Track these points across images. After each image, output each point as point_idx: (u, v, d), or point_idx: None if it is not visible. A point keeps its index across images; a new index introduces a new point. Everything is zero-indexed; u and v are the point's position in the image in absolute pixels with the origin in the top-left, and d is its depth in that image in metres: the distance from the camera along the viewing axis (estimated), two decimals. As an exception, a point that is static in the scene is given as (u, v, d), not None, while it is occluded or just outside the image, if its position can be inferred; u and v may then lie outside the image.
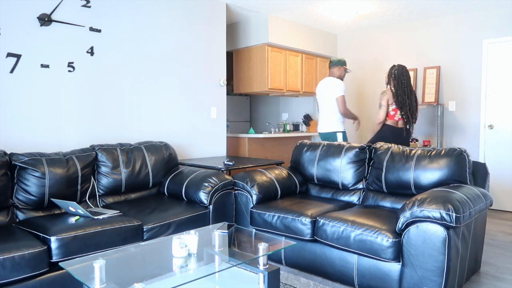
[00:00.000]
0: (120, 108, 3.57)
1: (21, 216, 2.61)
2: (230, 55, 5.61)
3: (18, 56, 2.93)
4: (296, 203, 2.95)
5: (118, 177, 3.05)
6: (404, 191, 2.86)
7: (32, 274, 2.04)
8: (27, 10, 2.96)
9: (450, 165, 2.67)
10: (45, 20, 3.04)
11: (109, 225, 2.39)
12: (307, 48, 5.58)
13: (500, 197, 4.74)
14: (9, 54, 2.89)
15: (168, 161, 3.39)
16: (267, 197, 3.10)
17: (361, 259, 2.40)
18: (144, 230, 2.56)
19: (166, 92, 3.92)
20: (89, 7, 3.30)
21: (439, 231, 2.11)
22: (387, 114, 4.08)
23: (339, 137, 4.33)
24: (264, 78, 5.12)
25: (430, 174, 2.71)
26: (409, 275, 2.20)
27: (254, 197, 3.03)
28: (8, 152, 2.80)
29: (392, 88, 4.03)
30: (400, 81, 3.98)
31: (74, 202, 2.54)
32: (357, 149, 3.16)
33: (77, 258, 1.97)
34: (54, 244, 2.16)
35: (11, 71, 2.91)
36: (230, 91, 5.97)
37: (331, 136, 4.38)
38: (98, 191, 3.00)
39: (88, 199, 2.92)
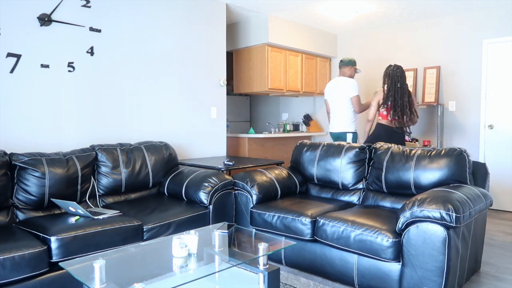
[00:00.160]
0: (120, 108, 3.57)
1: (21, 216, 2.61)
2: (230, 55, 5.61)
3: (18, 56, 2.93)
4: (296, 203, 2.95)
5: (118, 177, 3.05)
6: (404, 191, 2.86)
7: (32, 274, 2.04)
8: (27, 10, 2.96)
9: (450, 165, 2.67)
10: (45, 20, 3.04)
11: (109, 225, 2.39)
12: (307, 48, 5.58)
13: (500, 197, 4.74)
14: (9, 54, 2.89)
15: (168, 161, 3.39)
16: (267, 197, 3.10)
17: (361, 259, 2.40)
18: (144, 230, 2.56)
19: (166, 92, 3.92)
20: (89, 7, 3.30)
21: (439, 231, 2.11)
22: (380, 114, 4.08)
23: (349, 137, 4.34)
24: (264, 78, 5.12)
25: (430, 174, 2.71)
26: (409, 275, 2.21)
27: (254, 197, 3.03)
28: (8, 152, 2.80)
29: (385, 88, 4.03)
30: (394, 82, 3.97)
31: (74, 202, 2.54)
32: (357, 149, 3.16)
33: (77, 258, 1.97)
34: (54, 244, 2.16)
35: (11, 71, 2.91)
36: (230, 91, 5.97)
37: (342, 136, 4.39)
38: (98, 191, 3.00)
39: (88, 199, 2.92)
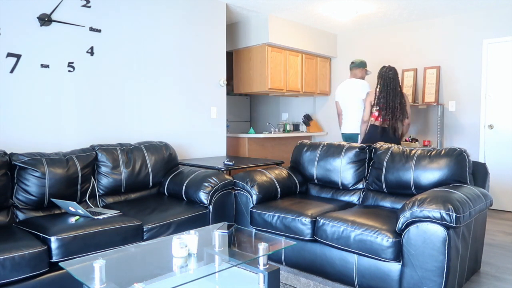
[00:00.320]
0: (120, 108, 3.57)
1: (21, 216, 2.61)
2: (230, 55, 5.61)
3: (18, 56, 2.93)
4: (296, 203, 2.95)
5: (118, 177, 3.05)
6: (404, 191, 2.86)
7: (32, 274, 2.04)
8: (27, 10, 2.96)
9: (450, 165, 2.67)
10: (45, 20, 3.04)
11: (109, 225, 2.39)
12: (307, 48, 5.58)
13: (500, 197, 4.74)
14: (9, 54, 2.89)
15: (168, 161, 3.39)
16: (267, 197, 3.10)
17: (361, 259, 2.40)
18: (144, 230, 2.56)
19: (166, 92, 3.92)
20: (89, 7, 3.30)
21: (439, 231, 2.11)
22: (373, 115, 4.09)
23: (360, 138, 4.34)
24: (264, 78, 5.12)
25: (430, 174, 2.71)
26: (409, 275, 2.21)
27: (254, 197, 3.03)
28: (8, 152, 2.80)
29: (377, 89, 4.04)
30: (386, 83, 3.98)
31: (74, 202, 2.54)
32: (357, 149, 3.16)
33: (77, 258, 1.97)
34: (54, 244, 2.16)
35: (11, 71, 2.91)
36: (230, 91, 5.98)
37: (353, 137, 4.40)
38: (98, 191, 3.00)
39: (88, 199, 2.92)
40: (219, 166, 3.44)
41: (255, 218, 2.95)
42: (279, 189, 3.20)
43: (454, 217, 2.06)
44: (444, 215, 2.08)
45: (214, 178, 3.03)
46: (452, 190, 2.32)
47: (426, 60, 5.25)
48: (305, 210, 2.74)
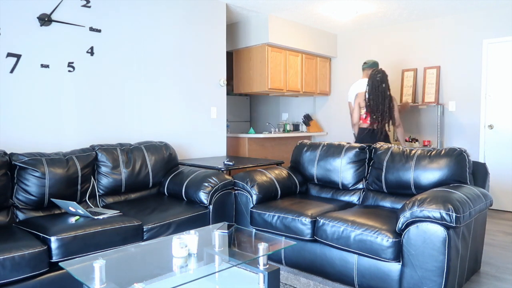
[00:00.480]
0: (120, 108, 3.57)
1: (21, 216, 2.61)
2: (230, 55, 5.61)
3: (18, 56, 2.93)
4: (296, 203, 2.95)
5: (118, 177, 3.05)
6: (404, 191, 2.86)
7: (32, 274, 2.04)
8: (27, 10, 2.96)
9: (450, 165, 2.67)
10: (45, 20, 3.04)
11: (109, 225, 2.39)
12: (307, 48, 5.58)
13: (500, 197, 4.74)
14: (9, 54, 2.89)
15: (168, 161, 3.39)
16: (267, 197, 3.10)
17: (361, 259, 2.40)
18: (144, 230, 2.56)
19: (166, 92, 3.92)
20: (89, 7, 3.30)
21: (439, 231, 2.11)
22: (361, 117, 4.12)
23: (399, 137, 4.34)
24: (264, 78, 5.12)
25: (430, 174, 2.71)
26: (409, 275, 2.21)
27: (254, 197, 3.03)
28: (8, 152, 2.80)
29: (366, 92, 4.05)
30: (374, 86, 4.00)
31: (74, 202, 2.54)
32: (357, 149, 3.16)
33: (77, 258, 1.97)
34: (54, 244, 2.16)
35: (11, 71, 2.91)
36: (230, 91, 5.98)
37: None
38: (98, 191, 3.00)
39: (88, 199, 2.92)
40: (219, 166, 3.44)
41: (255, 218, 2.95)
42: (279, 189, 3.20)
43: (454, 217, 2.06)
44: (444, 215, 2.08)
45: (214, 178, 3.03)
46: (452, 190, 2.32)
47: (426, 60, 5.25)
48: (305, 210, 2.74)
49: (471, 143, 4.92)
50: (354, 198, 3.15)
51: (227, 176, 3.13)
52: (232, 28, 5.39)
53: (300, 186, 3.40)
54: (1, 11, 2.84)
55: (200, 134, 4.28)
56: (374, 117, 3.99)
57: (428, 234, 2.14)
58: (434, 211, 2.11)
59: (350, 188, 3.18)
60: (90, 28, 3.31)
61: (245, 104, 6.78)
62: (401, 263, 2.25)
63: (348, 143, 3.29)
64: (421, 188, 2.75)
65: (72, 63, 3.23)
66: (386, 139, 4.05)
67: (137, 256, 2.01)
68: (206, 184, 2.99)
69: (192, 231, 2.06)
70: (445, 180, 2.66)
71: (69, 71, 3.22)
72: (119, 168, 3.06)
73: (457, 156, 2.68)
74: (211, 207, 2.96)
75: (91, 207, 2.87)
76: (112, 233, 2.38)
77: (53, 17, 3.09)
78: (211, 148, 4.40)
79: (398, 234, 2.27)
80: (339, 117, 6.12)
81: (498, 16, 4.65)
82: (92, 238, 2.29)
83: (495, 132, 4.74)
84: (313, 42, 5.69)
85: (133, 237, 2.48)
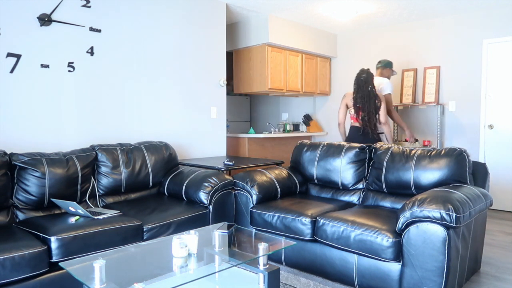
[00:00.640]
0: (120, 108, 3.57)
1: (21, 216, 2.61)
2: (230, 55, 5.61)
3: (18, 56, 2.93)
4: (296, 203, 2.95)
5: (118, 177, 3.05)
6: (404, 191, 2.86)
7: (32, 274, 2.04)
8: (27, 10, 2.96)
9: (450, 165, 2.67)
10: (45, 20, 3.04)
11: (109, 225, 2.39)
12: (307, 48, 5.58)
13: (500, 197, 4.74)
14: (9, 54, 2.89)
15: (168, 161, 3.39)
16: (267, 197, 3.10)
17: (361, 259, 2.40)
18: (144, 230, 2.56)
19: (166, 92, 3.92)
20: (89, 7, 3.30)
21: (439, 231, 2.11)
22: (352, 117, 4.14)
23: (383, 137, 4.33)
24: (264, 78, 5.12)
25: (430, 174, 2.71)
26: (409, 275, 2.21)
27: (254, 197, 3.03)
28: (8, 152, 2.80)
29: (353, 92, 4.09)
30: (358, 86, 4.04)
31: (74, 202, 2.54)
32: (357, 149, 3.16)
33: (77, 258, 1.97)
34: (54, 244, 2.16)
35: (11, 71, 2.91)
36: (230, 91, 5.97)
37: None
38: (98, 191, 3.00)
39: (88, 199, 2.92)
40: (219, 166, 3.44)
41: (255, 218, 2.94)
42: (279, 189, 3.20)
43: (454, 217, 2.06)
44: (444, 215, 2.08)
45: (214, 178, 3.03)
46: (452, 190, 2.32)
47: (426, 60, 5.25)
48: (305, 210, 2.74)
49: (471, 143, 4.92)
50: (354, 198, 3.15)
51: (227, 176, 3.13)
52: (232, 28, 5.39)
53: (300, 186, 3.40)
54: (1, 11, 2.84)
55: (200, 134, 4.28)
56: (362, 116, 4.02)
57: (428, 234, 2.14)
58: (434, 211, 2.11)
59: (350, 188, 3.18)
60: (90, 28, 3.31)
61: (245, 104, 6.78)
62: (401, 263, 2.25)
63: (348, 143, 3.29)
64: (421, 188, 2.75)
65: (72, 63, 3.23)
66: (377, 138, 4.06)
67: (137, 256, 2.01)
68: (206, 184, 2.99)
69: (192, 231, 2.06)
70: (445, 180, 2.66)
71: (69, 71, 3.22)
72: (119, 168, 3.06)
73: (457, 156, 2.68)
74: (211, 207, 2.96)
75: (91, 207, 2.87)
76: (112, 233, 2.38)
77: (53, 17, 3.09)
78: (211, 148, 4.40)
79: (398, 234, 2.27)
80: (339, 117, 6.12)
81: (498, 16, 4.65)
82: (92, 238, 2.29)
83: (495, 132, 4.74)
84: (313, 42, 5.69)
85: (133, 237, 2.48)
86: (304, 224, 2.64)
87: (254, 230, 2.88)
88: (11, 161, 2.60)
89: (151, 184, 3.27)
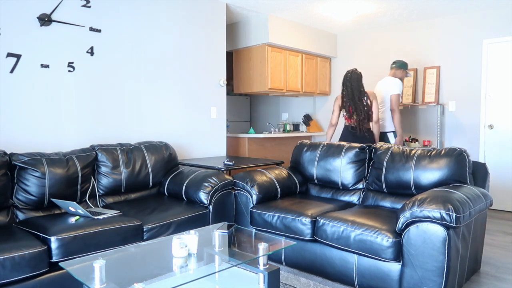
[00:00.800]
0: (120, 108, 3.57)
1: (21, 216, 2.61)
2: (230, 55, 5.61)
3: (18, 56, 2.93)
4: (296, 203, 2.95)
5: (118, 177, 3.05)
6: (404, 191, 2.86)
7: (32, 274, 2.04)
8: (27, 10, 2.96)
9: (450, 165, 2.67)
10: (45, 20, 3.04)
11: (109, 225, 2.39)
12: (307, 48, 5.58)
13: (500, 197, 4.74)
14: (9, 54, 2.89)
15: (168, 161, 3.39)
16: (267, 197, 3.10)
17: (361, 259, 2.40)
18: (144, 230, 2.56)
19: (166, 92, 3.92)
20: (89, 7, 3.30)
21: (439, 231, 2.11)
22: (345, 117, 4.13)
23: (391, 137, 4.32)
24: (264, 78, 5.12)
25: (430, 174, 2.71)
26: (409, 275, 2.21)
27: (254, 197, 3.03)
28: (8, 152, 2.80)
29: (343, 94, 4.08)
30: (346, 86, 4.03)
31: (74, 202, 2.54)
32: (357, 149, 3.16)
33: (77, 258, 1.97)
34: (54, 244, 2.16)
35: (11, 71, 2.91)
36: (230, 91, 5.98)
37: (382, 136, 4.36)
38: (98, 191, 3.00)
39: (88, 199, 2.92)
40: (219, 166, 3.44)
41: (255, 218, 2.95)
42: (279, 189, 3.20)
43: (454, 217, 2.06)
44: (444, 215, 2.08)
45: (214, 178, 3.03)
46: (452, 190, 2.32)
47: (426, 60, 5.25)
48: (305, 210, 2.74)
49: (471, 143, 4.92)
50: (354, 198, 3.15)
51: (227, 176, 3.13)
52: (232, 28, 5.39)
53: (300, 186, 3.40)
54: (1, 11, 2.84)
55: (200, 134, 4.28)
56: (356, 115, 4.02)
57: (428, 234, 2.14)
58: (434, 211, 2.11)
59: (350, 188, 3.18)
60: (90, 28, 3.31)
61: (245, 104, 6.78)
62: (401, 263, 2.25)
63: (348, 143, 3.29)
64: (421, 188, 2.75)
65: (72, 63, 3.23)
66: (371, 136, 4.05)
67: (137, 256, 2.01)
68: (206, 184, 2.99)
69: (192, 231, 2.06)
70: (445, 180, 2.66)
71: (69, 71, 3.22)
72: (119, 168, 3.06)
73: (457, 156, 2.68)
74: (211, 207, 2.96)
75: (91, 207, 2.87)
76: (112, 233, 2.38)
77: (53, 17, 3.09)
78: (211, 148, 4.40)
79: (398, 234, 2.27)
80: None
81: (498, 16, 4.65)
82: (92, 238, 2.29)
83: (495, 132, 4.74)
84: (313, 42, 5.69)
85: (133, 237, 2.48)
86: (304, 224, 2.64)
87: (254, 230, 2.88)
88: (11, 161, 2.60)
89: (151, 184, 3.27)
